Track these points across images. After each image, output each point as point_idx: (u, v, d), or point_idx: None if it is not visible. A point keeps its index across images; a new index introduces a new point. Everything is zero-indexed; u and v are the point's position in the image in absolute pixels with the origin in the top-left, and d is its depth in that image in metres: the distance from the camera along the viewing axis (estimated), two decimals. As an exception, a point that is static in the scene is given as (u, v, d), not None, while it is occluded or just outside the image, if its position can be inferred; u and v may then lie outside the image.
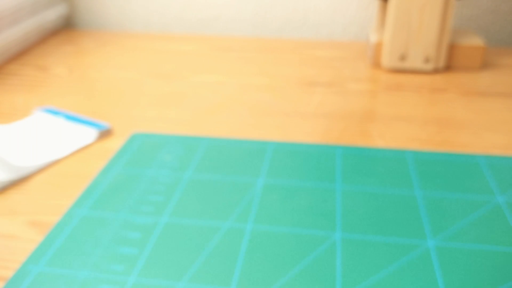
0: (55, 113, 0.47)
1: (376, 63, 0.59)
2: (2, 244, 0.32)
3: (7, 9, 0.61)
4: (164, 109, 0.50)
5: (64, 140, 0.43)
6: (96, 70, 0.60)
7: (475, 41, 0.58)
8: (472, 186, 0.36)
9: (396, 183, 0.37)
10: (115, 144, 0.43)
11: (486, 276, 0.28)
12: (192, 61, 0.62)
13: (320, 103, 0.50)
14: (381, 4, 0.60)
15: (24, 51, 0.65)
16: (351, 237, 0.31)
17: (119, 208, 0.34)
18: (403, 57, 0.57)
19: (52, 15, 0.71)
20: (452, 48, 0.57)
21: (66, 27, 0.76)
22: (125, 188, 0.36)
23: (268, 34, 0.73)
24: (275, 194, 0.35)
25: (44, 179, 0.38)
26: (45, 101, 0.51)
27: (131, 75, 0.58)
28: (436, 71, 0.57)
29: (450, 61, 0.58)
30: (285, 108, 0.49)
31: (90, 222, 0.33)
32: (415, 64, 0.57)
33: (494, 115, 0.48)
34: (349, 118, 0.47)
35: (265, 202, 0.34)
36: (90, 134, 0.44)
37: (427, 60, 0.56)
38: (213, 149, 0.41)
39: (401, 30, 0.55)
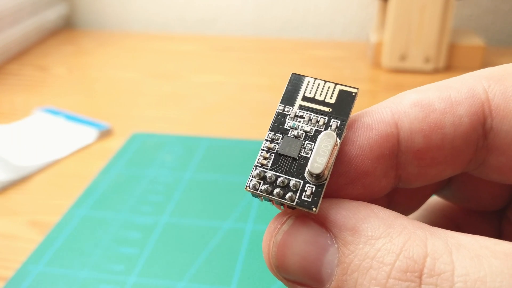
0: (55, 113, 0.47)
1: (376, 63, 0.59)
2: (2, 244, 0.32)
3: (7, 9, 0.61)
4: (164, 109, 0.50)
5: (64, 140, 0.43)
6: (96, 70, 0.60)
7: (475, 41, 0.58)
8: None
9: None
10: (115, 144, 0.43)
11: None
12: (192, 61, 0.62)
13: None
14: (381, 4, 0.60)
15: (24, 51, 0.65)
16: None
17: (119, 208, 0.34)
18: (403, 57, 0.57)
19: (52, 15, 0.71)
20: (452, 48, 0.57)
21: (66, 27, 0.76)
22: (125, 188, 0.36)
23: (268, 34, 0.73)
24: (275, 194, 0.35)
25: (44, 179, 0.38)
26: (45, 101, 0.51)
27: (131, 75, 0.58)
28: (436, 71, 0.57)
29: (450, 61, 0.58)
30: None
31: (90, 222, 0.33)
32: (415, 64, 0.57)
33: (494, 115, 0.48)
34: (349, 118, 0.47)
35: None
36: (90, 134, 0.43)
37: (427, 60, 0.56)
38: (213, 149, 0.41)
39: (401, 30, 0.55)
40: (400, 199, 0.18)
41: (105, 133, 0.44)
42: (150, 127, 0.46)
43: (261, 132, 0.44)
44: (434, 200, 0.20)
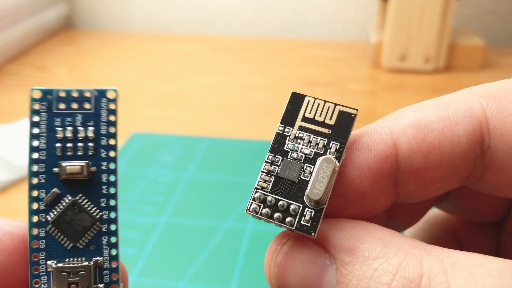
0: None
1: (376, 63, 0.59)
2: (2, 244, 0.32)
3: (7, 9, 0.61)
4: (164, 109, 0.50)
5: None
6: (96, 70, 0.60)
7: (475, 41, 0.58)
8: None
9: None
10: (115, 144, 0.43)
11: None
12: (192, 61, 0.62)
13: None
14: (381, 4, 0.60)
15: (24, 51, 0.65)
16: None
17: (119, 208, 0.34)
18: (403, 57, 0.57)
19: (52, 15, 0.71)
20: (452, 48, 0.57)
21: (66, 27, 0.76)
22: (125, 188, 0.36)
23: (268, 34, 0.73)
24: (275, 194, 0.35)
25: (44, 179, 0.38)
26: (45, 101, 0.51)
27: (131, 75, 0.58)
28: (436, 71, 0.57)
29: (450, 61, 0.58)
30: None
31: (90, 222, 0.33)
32: (415, 64, 0.57)
33: (494, 115, 0.48)
34: (349, 118, 0.47)
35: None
36: (90, 134, 0.43)
37: (427, 60, 0.56)
38: (213, 149, 0.41)
39: (401, 30, 0.55)
40: (400, 213, 0.18)
41: (105, 133, 0.44)
42: (150, 127, 0.46)
43: (261, 132, 0.44)
44: (434, 212, 0.20)
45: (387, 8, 0.56)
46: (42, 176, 0.15)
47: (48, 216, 0.15)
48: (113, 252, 0.15)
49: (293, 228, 0.13)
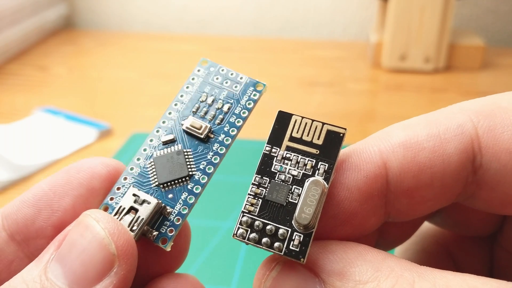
0: (55, 113, 0.47)
1: (376, 63, 0.59)
2: (2, 244, 0.32)
3: (7, 9, 0.61)
4: (164, 109, 0.50)
5: (64, 140, 0.43)
6: (96, 70, 0.60)
7: (475, 41, 0.58)
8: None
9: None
10: (115, 144, 0.43)
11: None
12: (192, 61, 0.62)
13: (320, 103, 0.50)
14: (381, 4, 0.60)
15: (24, 51, 0.65)
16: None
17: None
18: (403, 57, 0.57)
19: (52, 15, 0.71)
20: (452, 48, 0.57)
21: (66, 27, 0.76)
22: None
23: (268, 34, 0.73)
24: (275, 194, 0.35)
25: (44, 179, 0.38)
26: (45, 101, 0.51)
27: (131, 75, 0.58)
28: (436, 71, 0.57)
29: (450, 61, 0.58)
30: (285, 108, 0.49)
31: (90, 222, 0.33)
32: (415, 64, 0.57)
33: (494, 115, 0.48)
34: (349, 118, 0.47)
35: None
36: (90, 134, 0.44)
37: (427, 60, 0.56)
38: (213, 149, 0.41)
39: (401, 30, 0.55)
40: (391, 231, 0.18)
41: (105, 133, 0.44)
42: (150, 127, 0.45)
43: (261, 132, 0.44)
44: (426, 226, 0.20)
45: (387, 8, 0.56)
46: (170, 122, 0.17)
47: (155, 153, 0.16)
48: (184, 210, 0.16)
49: (282, 253, 0.13)
